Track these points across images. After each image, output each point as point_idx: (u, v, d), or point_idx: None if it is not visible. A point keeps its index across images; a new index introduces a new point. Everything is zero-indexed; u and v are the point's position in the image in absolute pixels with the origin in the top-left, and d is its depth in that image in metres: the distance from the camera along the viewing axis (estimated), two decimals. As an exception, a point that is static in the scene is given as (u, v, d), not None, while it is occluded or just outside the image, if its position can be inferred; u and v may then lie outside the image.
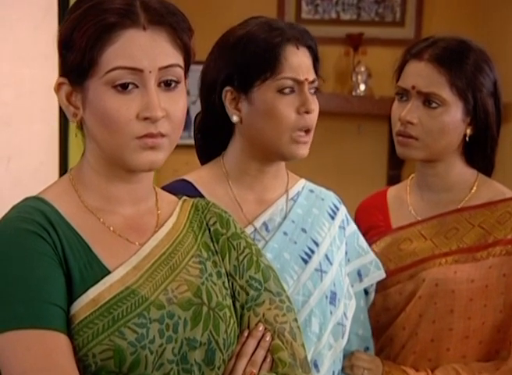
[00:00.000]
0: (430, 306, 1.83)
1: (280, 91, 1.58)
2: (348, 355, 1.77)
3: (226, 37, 1.62)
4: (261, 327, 1.33)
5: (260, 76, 1.57)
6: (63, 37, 1.26)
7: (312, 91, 1.61)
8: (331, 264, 1.68)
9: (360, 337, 1.81)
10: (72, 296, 1.20)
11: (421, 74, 1.82)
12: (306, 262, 1.65)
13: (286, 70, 1.57)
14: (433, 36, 1.87)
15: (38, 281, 1.18)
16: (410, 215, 1.95)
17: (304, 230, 1.69)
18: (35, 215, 1.22)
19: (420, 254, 1.88)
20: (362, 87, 4.23)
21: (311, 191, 1.76)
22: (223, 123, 1.64)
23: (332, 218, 1.74)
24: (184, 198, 1.44)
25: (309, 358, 1.49)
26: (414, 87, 1.83)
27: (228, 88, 1.61)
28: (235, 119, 1.62)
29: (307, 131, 1.61)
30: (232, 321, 1.31)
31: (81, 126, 1.32)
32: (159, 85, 1.25)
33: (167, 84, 1.25)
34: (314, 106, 1.61)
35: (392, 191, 2.05)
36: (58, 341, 1.16)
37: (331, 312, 1.65)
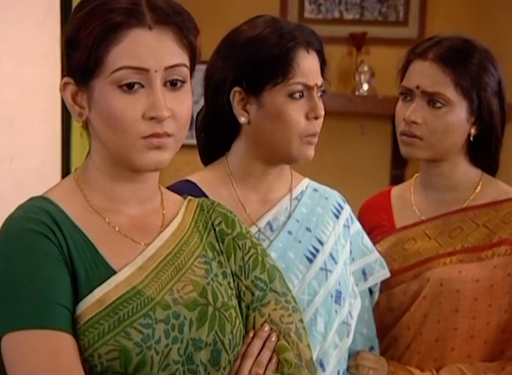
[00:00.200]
0: (435, 306, 1.83)
1: (291, 95, 1.58)
2: (353, 355, 1.78)
3: (235, 37, 1.62)
4: (266, 328, 1.33)
5: (271, 80, 1.57)
6: (69, 36, 1.25)
7: (319, 94, 1.62)
8: (336, 263, 1.68)
9: (364, 336, 1.81)
10: (77, 296, 1.20)
11: (426, 74, 1.82)
12: (311, 261, 1.65)
13: (297, 75, 1.57)
14: (437, 35, 1.87)
15: (44, 281, 1.18)
16: (415, 214, 1.95)
17: (308, 229, 1.69)
18: (41, 215, 1.22)
19: (424, 253, 1.88)
20: (365, 86, 4.23)
21: (315, 190, 1.76)
22: (228, 123, 1.64)
23: (337, 217, 1.74)
24: (189, 197, 1.44)
25: (315, 357, 1.49)
26: (418, 87, 1.82)
27: (236, 89, 1.60)
28: (243, 120, 1.62)
29: (315, 134, 1.61)
30: (237, 321, 1.31)
31: (86, 125, 1.31)
32: (165, 85, 1.24)
33: (173, 84, 1.25)
34: (323, 111, 1.62)
35: (396, 191, 2.05)
36: (64, 342, 1.17)
37: (336, 311, 1.65)
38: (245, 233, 1.41)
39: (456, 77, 1.79)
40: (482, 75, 1.81)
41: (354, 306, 1.72)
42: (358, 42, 4.20)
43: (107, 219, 1.29)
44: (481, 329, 1.82)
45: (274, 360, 1.31)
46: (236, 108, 1.61)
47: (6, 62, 2.91)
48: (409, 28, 4.27)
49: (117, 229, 1.29)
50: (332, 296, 1.65)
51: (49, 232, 1.21)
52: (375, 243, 1.86)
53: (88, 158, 1.34)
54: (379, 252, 1.83)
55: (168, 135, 1.24)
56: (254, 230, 1.62)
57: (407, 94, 1.86)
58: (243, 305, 1.35)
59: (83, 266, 1.22)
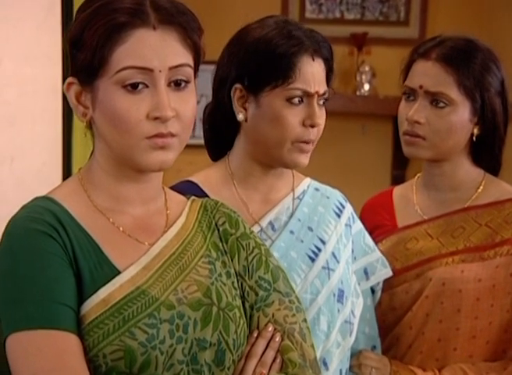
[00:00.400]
0: (437, 306, 1.83)
1: (289, 100, 1.57)
2: (356, 354, 1.78)
3: (243, 35, 1.62)
4: (270, 328, 1.33)
5: (271, 82, 1.57)
6: (73, 36, 1.25)
7: (321, 102, 1.61)
8: (338, 262, 1.68)
9: (367, 335, 1.81)
10: (82, 296, 1.21)
11: (429, 74, 1.82)
12: (313, 260, 1.65)
13: (298, 81, 1.57)
14: (440, 35, 1.87)
15: (48, 281, 1.18)
16: (417, 214, 1.95)
17: (310, 229, 1.69)
18: (45, 215, 1.22)
19: (426, 253, 1.88)
20: (366, 86, 4.23)
21: (317, 189, 1.76)
22: (230, 119, 1.64)
23: (338, 216, 1.74)
24: (193, 198, 1.44)
25: (318, 356, 1.49)
26: (421, 87, 1.82)
27: (237, 85, 1.60)
28: (240, 117, 1.62)
29: (308, 141, 1.60)
30: (241, 321, 1.31)
31: (90, 125, 1.31)
32: (169, 85, 1.24)
33: (177, 84, 1.25)
34: (321, 120, 1.60)
35: (397, 190, 2.05)
36: (69, 342, 1.17)
37: (338, 310, 1.66)
38: (249, 233, 1.41)
39: (460, 77, 1.79)
40: (485, 75, 1.81)
41: (357, 305, 1.72)
42: (359, 42, 4.20)
43: (111, 220, 1.29)
44: (484, 329, 1.82)
45: (278, 360, 1.31)
46: (236, 104, 1.62)
47: (7, 62, 2.91)
48: (410, 28, 4.27)
49: (121, 229, 1.29)
50: (334, 295, 1.65)
51: (54, 232, 1.21)
52: (376, 242, 1.87)
53: (92, 158, 1.34)
54: (381, 252, 1.83)
55: (172, 135, 1.24)
56: (256, 229, 1.62)
57: (410, 93, 1.86)
58: (246, 305, 1.35)
59: (88, 266, 1.22)
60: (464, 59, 1.80)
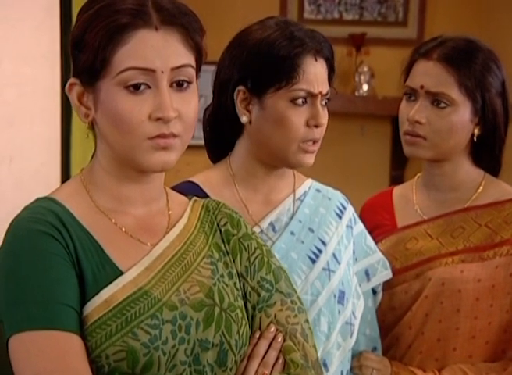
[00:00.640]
0: (436, 306, 1.84)
1: (293, 101, 1.58)
2: (356, 355, 1.78)
3: (245, 37, 1.62)
4: (272, 328, 1.33)
5: (275, 83, 1.57)
6: (75, 37, 1.25)
7: (324, 102, 1.62)
8: (339, 263, 1.68)
9: (367, 337, 1.82)
10: (84, 297, 1.21)
11: (430, 74, 1.82)
12: (314, 261, 1.65)
13: (301, 82, 1.57)
14: (441, 35, 1.87)
15: (51, 282, 1.18)
16: (416, 214, 1.95)
17: (311, 230, 1.69)
18: (47, 215, 1.22)
19: (426, 253, 1.88)
20: (365, 87, 4.23)
21: (318, 190, 1.76)
22: (232, 122, 1.64)
23: (340, 217, 1.74)
24: (194, 198, 1.44)
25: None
26: (422, 87, 1.83)
27: (240, 88, 1.60)
28: (244, 119, 1.62)
29: (314, 141, 1.61)
30: (244, 322, 1.31)
31: (92, 126, 1.31)
32: (171, 85, 1.24)
33: (179, 85, 1.25)
34: (324, 120, 1.61)
35: (397, 190, 2.05)
36: (72, 343, 1.17)
37: (339, 312, 1.66)
38: (250, 233, 1.41)
39: (461, 77, 1.79)
40: (486, 75, 1.81)
41: (357, 306, 1.73)
42: (358, 43, 4.20)
43: (113, 220, 1.29)
44: (483, 329, 1.82)
45: (280, 361, 1.31)
46: (239, 107, 1.62)
47: (6, 62, 2.91)
48: (408, 29, 4.27)
49: (123, 230, 1.29)
50: (335, 296, 1.65)
51: (56, 233, 1.21)
52: (376, 242, 1.87)
53: (94, 159, 1.34)
54: (381, 251, 1.84)
55: (174, 136, 1.24)
56: (256, 230, 1.62)
57: (411, 94, 1.86)
58: (248, 305, 1.35)
59: (90, 266, 1.22)
60: (465, 60, 1.80)
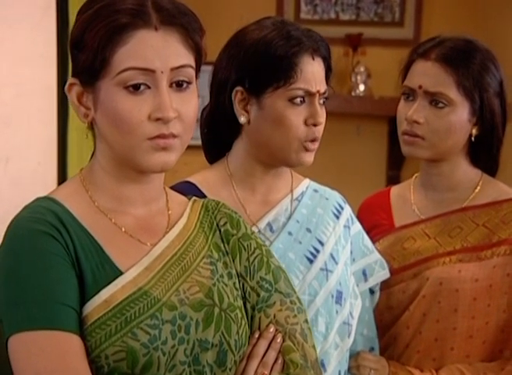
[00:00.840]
0: (434, 305, 1.84)
1: (291, 100, 1.58)
2: (354, 356, 1.78)
3: (242, 37, 1.62)
4: (271, 328, 1.33)
5: (273, 83, 1.57)
6: (74, 37, 1.25)
7: (322, 101, 1.62)
8: (336, 263, 1.69)
9: (365, 337, 1.82)
10: (84, 297, 1.20)
11: (428, 74, 1.82)
12: (311, 261, 1.65)
13: (299, 81, 1.57)
14: (439, 35, 1.88)
15: (51, 282, 1.18)
16: (414, 214, 1.95)
17: (308, 230, 1.69)
18: (47, 215, 1.22)
19: (424, 253, 1.88)
20: (361, 87, 4.23)
21: (316, 190, 1.76)
22: (230, 122, 1.64)
23: (337, 217, 1.74)
24: (194, 198, 1.44)
25: (316, 357, 1.49)
26: (420, 87, 1.83)
27: (238, 88, 1.61)
28: (242, 119, 1.62)
29: (313, 140, 1.61)
30: (243, 322, 1.31)
31: (92, 126, 1.31)
32: (171, 86, 1.24)
33: (179, 85, 1.25)
34: (322, 119, 1.61)
35: (395, 190, 2.05)
36: (71, 343, 1.16)
37: (337, 312, 1.66)
38: (250, 233, 1.41)
39: (459, 78, 1.80)
40: (484, 75, 1.81)
41: (355, 307, 1.73)
42: (354, 43, 4.20)
43: (113, 220, 1.29)
44: (480, 329, 1.83)
45: (279, 361, 1.31)
46: (237, 107, 1.62)
47: (3, 62, 2.90)
48: (405, 29, 4.27)
49: (123, 229, 1.29)
50: (332, 296, 1.65)
51: (56, 232, 1.20)
52: (374, 242, 1.87)
53: (93, 159, 1.33)
54: (378, 251, 1.84)
55: (174, 136, 1.24)
56: (254, 230, 1.62)
57: (409, 93, 1.87)
58: (248, 305, 1.35)
59: (90, 266, 1.22)
60: (464, 60, 1.81)
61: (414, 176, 2.03)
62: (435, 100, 1.82)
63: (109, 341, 1.18)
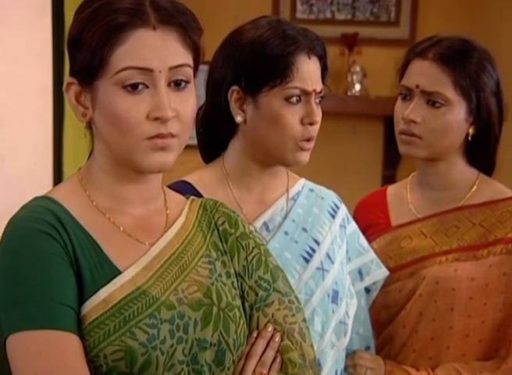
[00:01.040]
0: (430, 304, 1.84)
1: (287, 99, 1.58)
2: (350, 354, 1.78)
3: (237, 36, 1.62)
4: (270, 328, 1.33)
5: (269, 82, 1.57)
6: (72, 37, 1.25)
7: (318, 100, 1.62)
8: (332, 263, 1.69)
9: (361, 336, 1.82)
10: (82, 296, 1.20)
11: (425, 73, 1.82)
12: (307, 261, 1.65)
13: (295, 80, 1.57)
14: (436, 35, 1.88)
15: (49, 281, 1.18)
16: (411, 213, 1.96)
17: (304, 230, 1.69)
18: (45, 214, 1.22)
19: (420, 252, 1.89)
20: (357, 86, 4.23)
21: (311, 190, 1.76)
22: (226, 122, 1.64)
23: (333, 217, 1.74)
24: (192, 197, 1.44)
25: (313, 356, 1.49)
26: (417, 86, 1.83)
27: (234, 88, 1.60)
28: (239, 119, 1.62)
29: (309, 139, 1.61)
30: (241, 322, 1.31)
31: (90, 126, 1.31)
32: (169, 85, 1.24)
33: (177, 84, 1.25)
34: (319, 118, 1.61)
35: (392, 189, 2.06)
36: (70, 342, 1.16)
37: (333, 311, 1.66)
38: (248, 233, 1.41)
39: (456, 77, 1.80)
40: (481, 75, 1.82)
41: (351, 306, 1.73)
42: (350, 42, 4.20)
43: (111, 219, 1.29)
44: (477, 328, 1.83)
45: (278, 360, 1.31)
46: (233, 106, 1.61)
47: (-2, 61, 2.90)
48: (400, 28, 4.27)
49: (122, 229, 1.29)
50: (329, 296, 1.65)
51: (54, 232, 1.20)
52: (370, 241, 1.88)
53: (91, 159, 1.33)
54: (375, 250, 1.84)
55: (172, 136, 1.24)
56: (250, 229, 1.62)
57: (407, 93, 1.87)
58: (246, 305, 1.34)
59: (89, 266, 1.22)
60: (461, 59, 1.81)
61: (410, 176, 2.03)
62: (432, 99, 1.82)
63: (108, 340, 1.18)
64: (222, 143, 1.69)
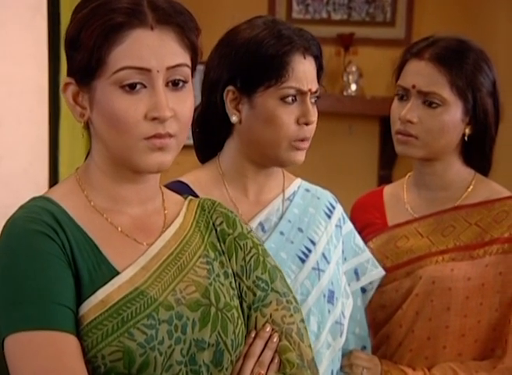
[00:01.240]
0: (426, 304, 1.85)
1: (283, 99, 1.58)
2: (347, 354, 1.78)
3: (233, 36, 1.62)
4: (268, 328, 1.33)
5: (264, 82, 1.57)
6: (70, 37, 1.25)
7: (313, 100, 1.62)
8: (328, 263, 1.69)
9: (357, 336, 1.82)
10: (80, 297, 1.20)
11: (422, 73, 1.83)
12: (303, 261, 1.65)
13: (291, 80, 1.57)
14: (433, 35, 1.89)
15: (47, 282, 1.17)
16: (407, 212, 1.96)
17: (300, 230, 1.69)
18: (43, 215, 1.21)
19: (416, 251, 1.89)
20: (353, 87, 4.23)
21: (307, 190, 1.76)
22: (222, 121, 1.64)
23: (329, 217, 1.74)
24: (190, 197, 1.43)
25: (307, 356, 1.49)
26: (414, 87, 1.84)
27: (230, 88, 1.60)
28: (234, 119, 1.62)
29: (305, 139, 1.61)
30: (240, 322, 1.31)
31: (87, 126, 1.30)
32: (167, 85, 1.24)
33: (175, 84, 1.25)
34: (314, 118, 1.61)
35: (388, 189, 2.06)
36: (68, 343, 1.16)
37: (329, 311, 1.66)
38: (246, 233, 1.41)
39: (452, 77, 1.80)
40: (477, 75, 1.82)
41: (347, 306, 1.73)
42: (346, 42, 4.21)
43: (109, 220, 1.29)
44: (473, 327, 1.84)
45: (276, 360, 1.31)
46: (229, 106, 1.61)
47: (-7, 62, 2.90)
48: (396, 29, 4.28)
49: (119, 229, 1.28)
50: (324, 296, 1.65)
51: (52, 232, 1.20)
52: (367, 241, 1.88)
53: (89, 159, 1.33)
54: (371, 250, 1.85)
55: (170, 136, 1.24)
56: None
57: (403, 93, 1.87)
58: (244, 305, 1.34)
59: (86, 266, 1.22)
60: (457, 59, 1.81)
61: (407, 176, 2.03)
62: (428, 100, 1.82)
63: (106, 341, 1.18)
64: (218, 143, 1.69)
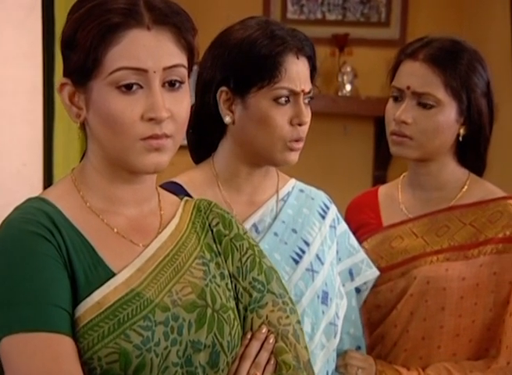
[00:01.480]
0: (421, 304, 1.85)
1: (276, 100, 1.58)
2: (341, 354, 1.78)
3: (226, 37, 1.62)
4: (264, 329, 1.33)
5: (257, 83, 1.57)
6: (66, 37, 1.24)
7: (306, 100, 1.62)
8: (322, 264, 1.68)
9: (351, 336, 1.82)
10: (76, 298, 1.20)
11: (416, 74, 1.83)
12: (297, 262, 1.65)
13: (284, 80, 1.57)
14: (427, 36, 1.89)
15: (43, 284, 1.17)
16: (402, 213, 1.96)
17: (294, 231, 1.69)
18: (39, 216, 1.21)
19: (411, 251, 1.89)
20: (348, 87, 4.24)
21: (301, 190, 1.76)
22: (215, 122, 1.64)
23: (323, 217, 1.74)
24: (186, 198, 1.43)
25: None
26: (408, 88, 1.84)
27: (223, 88, 1.60)
28: (227, 119, 1.62)
29: (298, 140, 1.61)
30: (236, 323, 1.31)
31: (83, 126, 1.30)
32: (163, 85, 1.24)
33: (171, 84, 1.25)
34: (308, 118, 1.61)
35: (383, 190, 2.06)
36: (64, 345, 1.16)
37: (323, 312, 1.66)
38: (242, 234, 1.41)
39: (447, 78, 1.81)
40: (472, 76, 1.83)
41: (341, 307, 1.73)
42: (341, 43, 4.21)
43: (105, 221, 1.28)
44: (467, 327, 1.84)
45: (272, 362, 1.30)
46: (222, 107, 1.61)
47: (-13, 62, 2.89)
48: (391, 29, 4.28)
49: (115, 230, 1.28)
50: (318, 297, 1.65)
51: (48, 233, 1.19)
52: (361, 241, 1.88)
53: (85, 159, 1.32)
54: (366, 250, 1.85)
55: (166, 136, 1.23)
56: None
57: (398, 94, 1.87)
58: (240, 306, 1.34)
59: (82, 267, 1.21)
60: (451, 60, 1.82)
61: (402, 176, 2.04)
62: (423, 100, 1.83)
63: (102, 342, 1.17)
64: (212, 143, 1.69)
